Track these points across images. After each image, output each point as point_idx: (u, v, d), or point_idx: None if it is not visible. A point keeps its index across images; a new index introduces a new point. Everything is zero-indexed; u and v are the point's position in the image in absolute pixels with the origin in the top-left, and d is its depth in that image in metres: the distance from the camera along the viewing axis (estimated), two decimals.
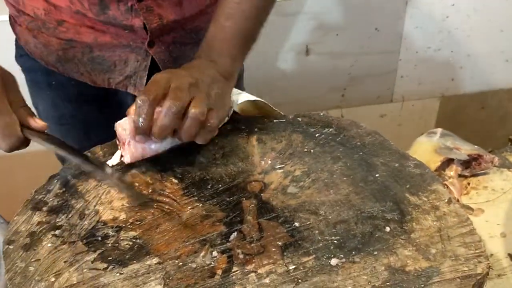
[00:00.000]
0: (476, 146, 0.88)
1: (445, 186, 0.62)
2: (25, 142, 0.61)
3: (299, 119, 0.77)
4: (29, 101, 0.91)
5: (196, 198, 0.62)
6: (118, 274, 0.52)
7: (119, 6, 0.75)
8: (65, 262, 0.53)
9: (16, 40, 0.88)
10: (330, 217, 0.58)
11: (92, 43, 0.80)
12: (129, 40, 0.79)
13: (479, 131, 1.62)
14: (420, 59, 1.59)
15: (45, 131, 0.62)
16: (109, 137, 0.73)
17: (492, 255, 0.72)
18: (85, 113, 0.89)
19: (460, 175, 0.86)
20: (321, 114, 0.78)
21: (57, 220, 0.59)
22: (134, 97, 0.88)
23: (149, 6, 0.75)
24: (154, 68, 0.81)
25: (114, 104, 0.88)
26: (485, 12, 1.52)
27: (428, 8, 1.49)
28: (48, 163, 0.98)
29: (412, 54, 1.58)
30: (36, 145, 0.61)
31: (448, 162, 0.86)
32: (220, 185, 0.64)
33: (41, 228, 0.58)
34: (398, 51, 1.56)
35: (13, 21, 0.86)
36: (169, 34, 0.80)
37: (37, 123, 0.61)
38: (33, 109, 0.92)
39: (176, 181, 0.65)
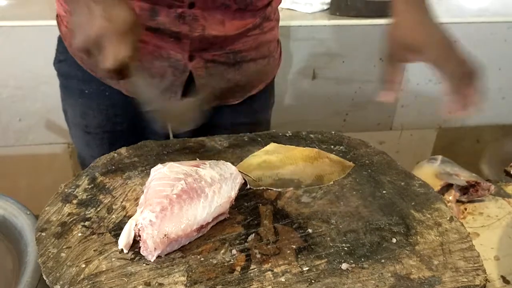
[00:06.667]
0: (474, 174, 0.93)
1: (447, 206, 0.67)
2: (124, 71, 0.64)
3: (312, 135, 0.82)
4: (60, 105, 0.94)
5: None
6: (144, 265, 0.56)
7: (169, 13, 0.78)
8: (94, 250, 0.57)
9: (57, 45, 0.90)
10: (341, 226, 0.63)
11: None
12: (170, 53, 0.81)
13: (473, 163, 1.67)
14: (420, 91, 1.66)
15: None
16: None
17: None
18: (113, 124, 0.89)
19: (457, 201, 0.91)
20: (332, 132, 0.83)
21: (87, 212, 0.63)
22: None
23: (195, 15, 0.79)
24: (188, 85, 0.83)
25: (144, 117, 0.85)
26: (485, 50, 1.59)
27: None
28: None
29: (413, 85, 1.64)
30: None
31: (448, 187, 0.91)
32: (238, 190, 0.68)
33: (72, 219, 0.61)
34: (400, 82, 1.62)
35: (59, 21, 0.87)
36: (209, 51, 0.83)
37: None
38: (61, 113, 0.95)
39: None
